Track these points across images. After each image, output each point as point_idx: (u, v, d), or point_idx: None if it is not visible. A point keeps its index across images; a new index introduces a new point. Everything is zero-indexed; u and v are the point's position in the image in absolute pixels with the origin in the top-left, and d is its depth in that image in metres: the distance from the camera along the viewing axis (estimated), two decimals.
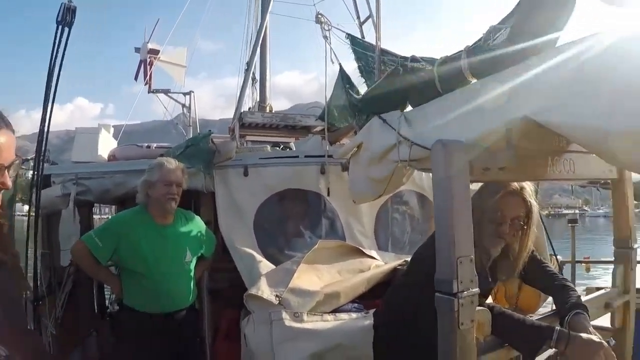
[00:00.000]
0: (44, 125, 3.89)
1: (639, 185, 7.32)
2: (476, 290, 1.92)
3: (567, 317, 2.36)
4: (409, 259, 3.31)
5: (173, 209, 3.79)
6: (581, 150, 2.34)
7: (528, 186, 2.54)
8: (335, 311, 3.67)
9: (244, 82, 6.84)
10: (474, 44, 3.10)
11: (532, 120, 2.09)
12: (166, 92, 11.83)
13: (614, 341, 2.30)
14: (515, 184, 2.48)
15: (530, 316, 2.52)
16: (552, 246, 5.17)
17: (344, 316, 3.61)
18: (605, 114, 1.75)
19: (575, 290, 2.66)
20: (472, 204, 2.41)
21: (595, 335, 2.20)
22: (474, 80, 2.95)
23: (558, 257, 7.21)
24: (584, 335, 2.18)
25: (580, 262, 7.70)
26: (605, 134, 1.73)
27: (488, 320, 2.10)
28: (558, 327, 2.20)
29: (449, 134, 2.28)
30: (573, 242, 6.91)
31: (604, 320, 2.96)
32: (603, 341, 2.16)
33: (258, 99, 9.67)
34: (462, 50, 3.05)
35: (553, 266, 5.99)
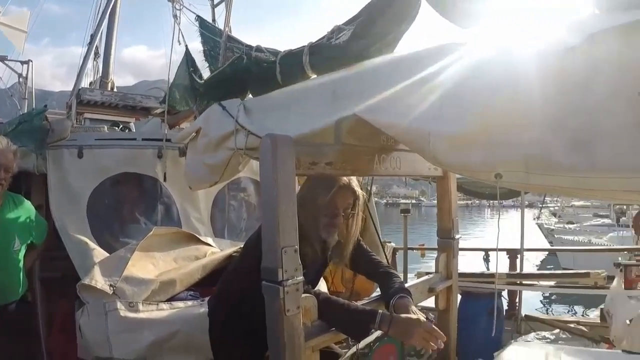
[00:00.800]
0: None
1: (464, 180, 7.92)
2: (301, 278, 2.01)
3: (391, 301, 2.53)
4: None
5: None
6: (407, 149, 2.49)
7: (354, 178, 2.68)
8: (171, 299, 3.64)
9: (85, 56, 6.53)
10: (317, 41, 3.19)
11: (361, 118, 2.20)
12: (2, 59, 10.91)
13: (432, 315, 2.49)
14: (346, 180, 2.59)
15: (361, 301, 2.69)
16: (378, 235, 5.42)
17: (179, 304, 3.60)
18: (428, 118, 1.88)
19: (399, 277, 2.84)
20: (304, 198, 2.49)
21: (417, 315, 2.36)
22: (314, 76, 3.04)
23: (391, 244, 7.63)
24: (403, 315, 2.33)
25: (412, 248, 8.18)
26: (427, 136, 1.87)
27: (314, 306, 2.19)
28: (381, 310, 2.32)
29: (284, 126, 2.35)
30: (405, 230, 7.29)
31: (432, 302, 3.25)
32: (422, 317, 2.31)
33: (100, 75, 9.21)
34: (305, 46, 3.14)
35: (387, 251, 6.35)
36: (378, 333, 2.51)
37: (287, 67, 3.23)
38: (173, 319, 3.44)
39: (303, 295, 2.08)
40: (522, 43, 1.62)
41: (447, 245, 3.27)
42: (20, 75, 10.87)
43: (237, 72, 3.70)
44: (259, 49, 3.79)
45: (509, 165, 1.71)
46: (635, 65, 1.34)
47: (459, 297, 5.51)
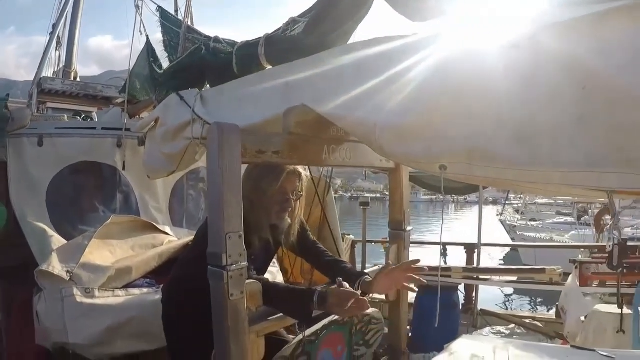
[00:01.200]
0: None
1: (424, 175, 8.01)
2: (245, 264, 2.07)
3: (358, 282, 2.64)
4: None
5: None
6: (359, 141, 2.54)
7: None
8: (127, 286, 3.67)
9: (47, 45, 6.49)
10: (273, 32, 3.25)
11: (309, 109, 2.26)
12: None
13: (340, 279, 2.51)
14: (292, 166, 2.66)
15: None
16: (332, 229, 5.45)
17: (135, 291, 3.63)
18: (375, 110, 1.95)
19: (349, 263, 2.96)
20: (252, 191, 2.55)
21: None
22: (269, 67, 3.10)
23: (350, 236, 7.71)
24: (335, 288, 2.35)
25: (372, 241, 8.27)
26: (373, 127, 1.93)
27: (259, 291, 2.23)
28: (319, 289, 2.37)
29: (237, 116, 2.41)
30: (364, 223, 7.37)
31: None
32: (356, 292, 2.37)
33: (64, 65, 9.14)
34: (261, 37, 3.19)
35: (346, 244, 6.41)
36: (326, 321, 2.59)
37: (244, 58, 3.29)
38: (128, 305, 3.47)
39: (248, 280, 2.13)
40: (469, 38, 1.66)
41: (399, 237, 3.28)
42: None
43: (195, 63, 3.73)
44: (217, 40, 3.83)
45: (452, 157, 1.75)
46: (579, 60, 1.36)
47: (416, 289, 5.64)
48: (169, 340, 2.95)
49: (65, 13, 7.85)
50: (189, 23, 4.71)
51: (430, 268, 6.02)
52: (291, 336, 2.90)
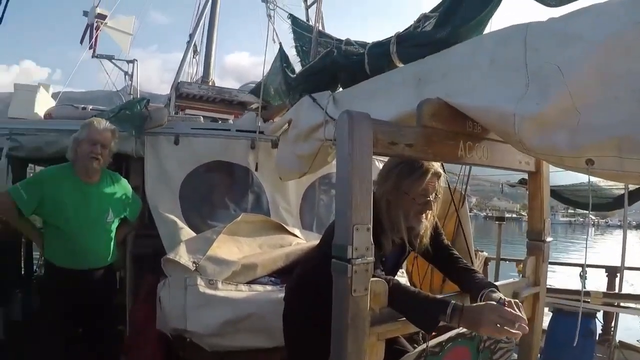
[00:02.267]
0: None
1: (560, 187, 7.51)
2: (371, 259, 1.93)
3: (481, 294, 2.34)
4: None
5: (95, 168, 3.74)
6: (497, 139, 2.38)
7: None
8: (251, 283, 3.70)
9: (185, 52, 6.81)
10: (404, 30, 3.20)
11: (443, 102, 2.17)
12: (110, 58, 11.61)
13: (504, 299, 2.29)
14: (434, 166, 2.53)
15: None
16: (468, 241, 5.26)
17: (258, 288, 3.66)
18: (513, 99, 1.82)
19: (481, 273, 2.70)
20: (392, 192, 2.47)
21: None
22: (401, 65, 3.03)
23: (484, 253, 7.39)
24: (474, 304, 2.18)
25: (506, 259, 7.82)
26: (511, 117, 1.80)
27: (384, 292, 2.09)
28: (453, 301, 2.12)
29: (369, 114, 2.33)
30: (499, 239, 7.05)
31: None
32: (522, 316, 2.07)
33: (202, 75, 9.60)
34: (392, 36, 3.14)
35: (479, 260, 6.15)
36: (452, 333, 2.40)
37: (375, 58, 3.25)
38: (250, 300, 3.51)
39: (373, 278, 2.00)
40: (608, 16, 1.53)
41: (537, 248, 2.99)
42: (126, 73, 11.52)
43: (327, 65, 3.76)
44: (348, 42, 3.85)
45: (600, 149, 1.60)
46: None
47: (550, 313, 5.25)
48: (287, 339, 2.92)
49: (201, 23, 8.23)
50: (320, 28, 4.76)
51: (566, 291, 5.64)
52: (412, 345, 2.78)
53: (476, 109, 2.06)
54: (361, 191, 1.89)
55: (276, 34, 5.55)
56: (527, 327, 2.02)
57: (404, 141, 2.08)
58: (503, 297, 2.24)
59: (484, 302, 2.18)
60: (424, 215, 2.58)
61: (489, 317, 2.02)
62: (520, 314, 2.04)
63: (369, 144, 1.91)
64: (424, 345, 2.34)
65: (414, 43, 2.93)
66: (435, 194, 2.58)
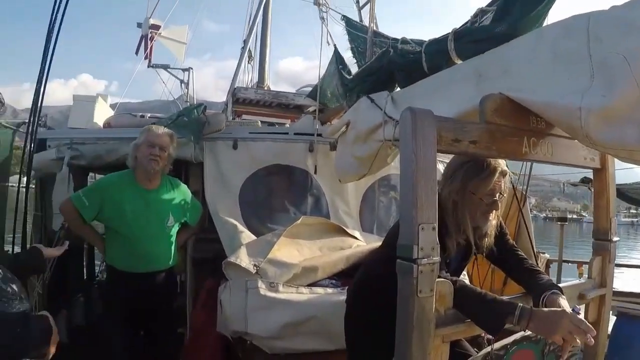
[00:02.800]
0: (40, 86, 3.96)
1: (626, 186, 7.25)
2: (437, 259, 1.90)
3: (543, 296, 2.31)
4: None
5: (155, 170, 3.81)
6: (561, 135, 2.31)
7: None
8: (312, 285, 3.70)
9: (240, 57, 6.89)
10: (461, 26, 3.15)
11: (505, 97, 2.11)
12: (165, 67, 11.88)
13: (578, 307, 2.24)
14: (501, 164, 2.48)
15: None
16: (532, 242, 5.15)
17: (319, 290, 3.66)
18: (578, 92, 1.77)
19: (546, 275, 2.62)
20: (454, 188, 2.44)
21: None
22: (459, 62, 2.98)
23: (545, 254, 7.18)
24: (545, 309, 2.14)
25: (568, 261, 7.59)
26: (577, 111, 1.75)
27: (450, 293, 2.05)
28: (521, 304, 2.08)
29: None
30: (561, 240, 6.80)
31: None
32: (567, 309, 2.11)
33: (257, 80, 9.68)
34: (449, 33, 3.09)
35: (540, 262, 6.00)
36: (517, 336, 2.35)
37: (433, 55, 3.21)
38: (311, 303, 3.51)
39: (439, 279, 1.96)
40: None
41: (603, 247, 2.89)
42: (182, 81, 11.78)
43: (384, 65, 3.74)
44: (404, 41, 3.81)
45: None
46: None
47: (613, 317, 5.03)
48: (348, 341, 2.91)
49: (255, 28, 8.31)
50: (374, 27, 4.73)
51: (632, 294, 5.42)
52: (474, 348, 2.73)
53: (540, 104, 2.01)
54: (426, 190, 1.86)
55: (330, 36, 5.56)
56: (593, 339, 2.00)
57: (468, 138, 2.03)
58: (577, 306, 2.18)
59: (560, 309, 2.14)
60: (491, 214, 2.53)
61: (566, 324, 1.99)
62: (589, 326, 2.02)
63: (433, 142, 1.88)
64: (488, 348, 2.30)
65: (472, 39, 2.87)
66: (501, 193, 2.53)
